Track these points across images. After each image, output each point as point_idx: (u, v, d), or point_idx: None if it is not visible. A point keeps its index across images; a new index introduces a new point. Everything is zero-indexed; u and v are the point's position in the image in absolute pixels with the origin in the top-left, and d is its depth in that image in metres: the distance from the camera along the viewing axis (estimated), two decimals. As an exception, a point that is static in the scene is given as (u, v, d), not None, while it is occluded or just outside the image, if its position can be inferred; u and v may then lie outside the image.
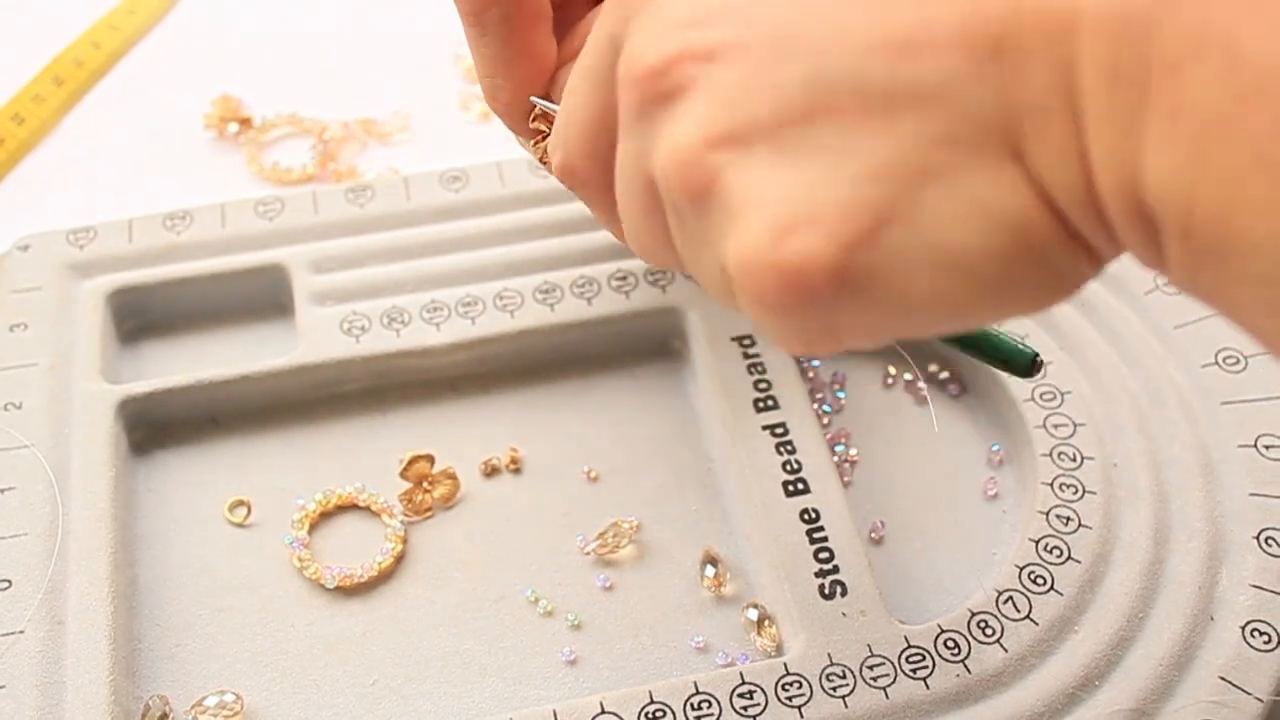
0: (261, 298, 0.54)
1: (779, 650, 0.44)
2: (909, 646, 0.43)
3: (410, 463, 0.48)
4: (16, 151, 0.63)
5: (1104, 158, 0.27)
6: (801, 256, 0.29)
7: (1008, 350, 0.40)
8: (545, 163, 0.44)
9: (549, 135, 0.44)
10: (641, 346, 0.53)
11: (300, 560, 0.47)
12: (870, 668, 0.42)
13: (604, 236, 0.54)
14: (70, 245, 0.54)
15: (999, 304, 0.29)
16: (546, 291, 0.52)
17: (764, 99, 0.29)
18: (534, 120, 0.44)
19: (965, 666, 0.42)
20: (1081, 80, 0.27)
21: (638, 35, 0.32)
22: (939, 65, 0.28)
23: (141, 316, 0.54)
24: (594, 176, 0.37)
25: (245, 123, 0.64)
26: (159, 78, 0.68)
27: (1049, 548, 0.45)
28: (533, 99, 0.44)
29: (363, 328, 0.51)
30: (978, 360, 0.41)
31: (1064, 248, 0.28)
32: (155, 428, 0.51)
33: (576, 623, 0.45)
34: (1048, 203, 0.28)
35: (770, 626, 0.44)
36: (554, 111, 0.43)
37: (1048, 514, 0.46)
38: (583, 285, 0.53)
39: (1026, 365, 0.40)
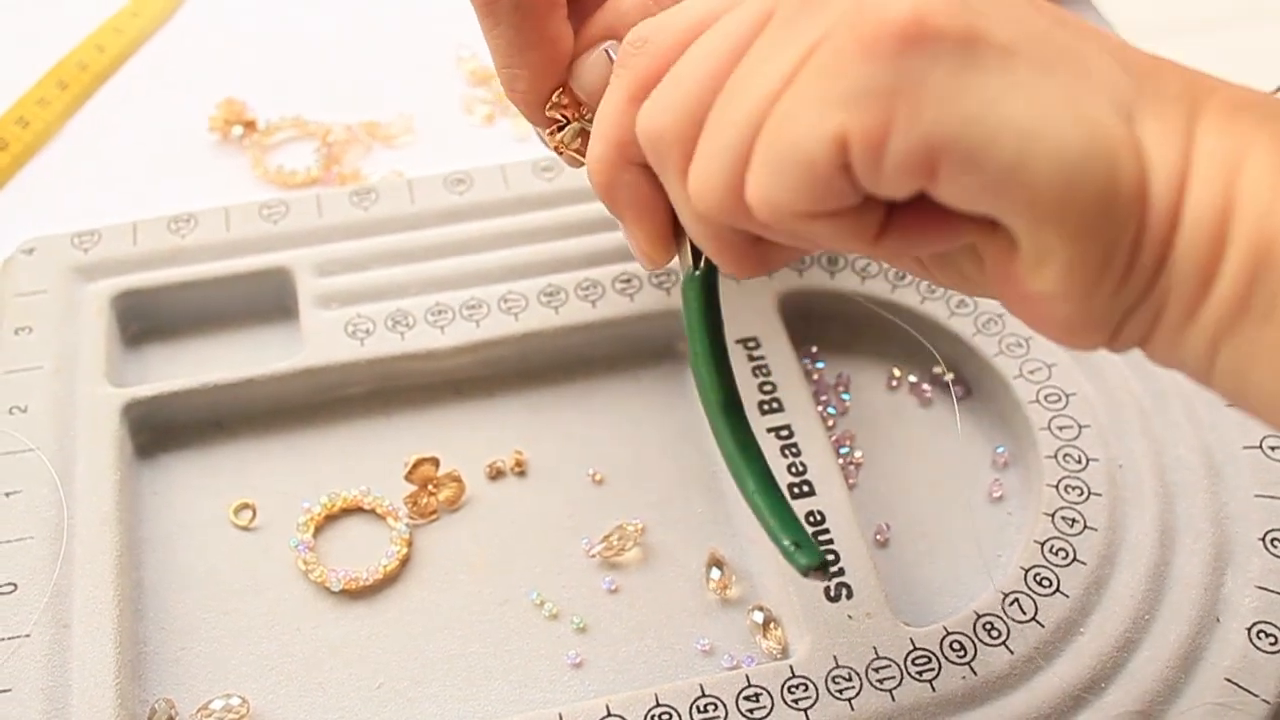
0: (266, 301, 0.54)
1: (784, 653, 0.44)
2: (915, 649, 0.42)
3: (415, 466, 0.48)
4: (21, 155, 0.63)
5: (1207, 157, 0.30)
6: (944, 9, 0.30)
7: (784, 548, 0.38)
8: (561, 152, 0.44)
9: (565, 125, 0.44)
10: (646, 349, 0.53)
11: (305, 563, 0.47)
12: (876, 670, 0.42)
13: (608, 239, 0.54)
14: (75, 248, 0.54)
15: (1056, 191, 0.30)
16: (551, 294, 0.52)
17: None
18: (551, 109, 0.44)
19: (971, 668, 0.42)
20: (1206, 105, 0.31)
21: None
22: (1098, 46, 0.31)
23: (146, 320, 0.54)
24: (669, 44, 0.37)
25: (249, 126, 0.64)
26: (163, 81, 0.68)
27: (1054, 550, 0.45)
28: (604, 49, 0.43)
29: (367, 330, 0.51)
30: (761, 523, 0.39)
31: (1128, 211, 0.30)
32: (160, 431, 0.51)
33: (582, 625, 0.45)
34: (1140, 159, 0.30)
35: (775, 629, 0.44)
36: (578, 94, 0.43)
37: (1053, 516, 0.45)
38: (587, 288, 0.53)
39: (803, 568, 0.37)
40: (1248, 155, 0.29)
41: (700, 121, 0.34)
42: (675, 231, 0.40)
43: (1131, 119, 0.30)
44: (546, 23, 0.43)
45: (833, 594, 0.44)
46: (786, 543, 0.37)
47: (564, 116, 0.44)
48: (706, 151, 0.34)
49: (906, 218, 0.32)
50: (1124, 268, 0.30)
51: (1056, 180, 0.29)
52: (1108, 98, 0.30)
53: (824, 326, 0.53)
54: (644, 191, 0.38)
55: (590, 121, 0.43)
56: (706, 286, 0.41)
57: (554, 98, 0.44)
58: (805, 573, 0.37)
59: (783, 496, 0.39)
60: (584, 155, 0.42)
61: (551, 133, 0.44)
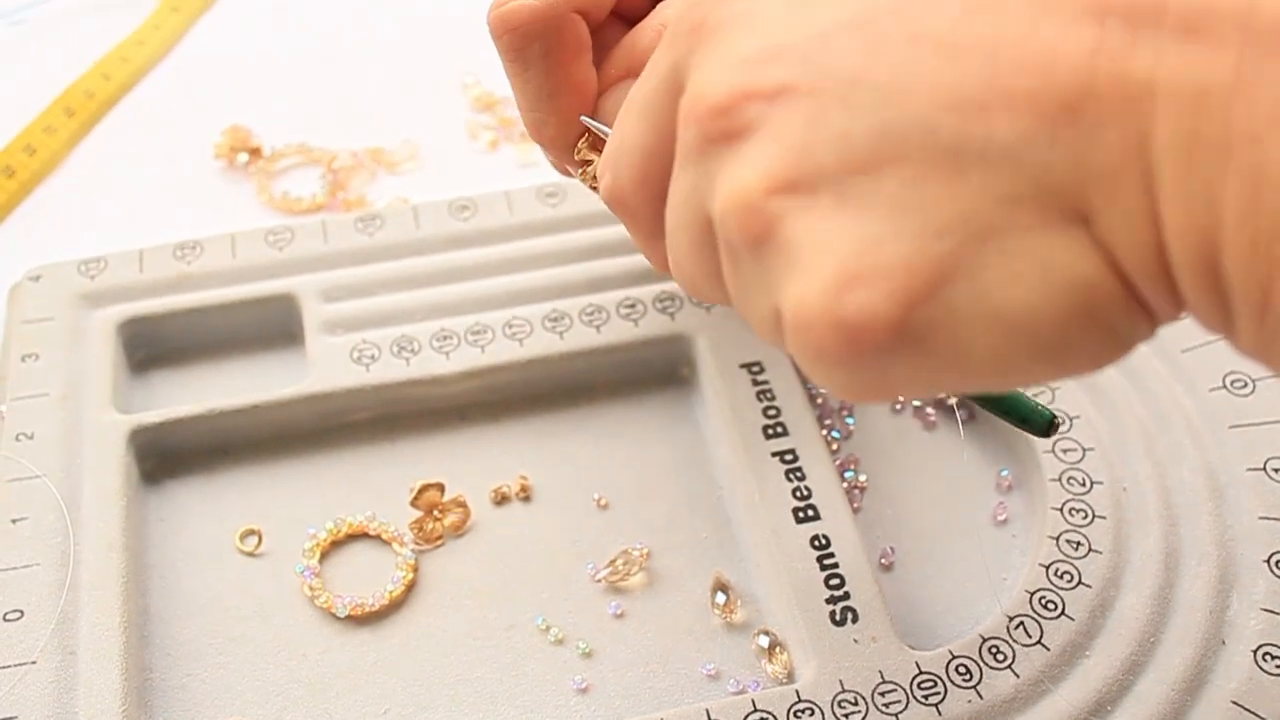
0: (272, 327, 0.54)
1: (790, 677, 0.44)
2: (920, 672, 0.42)
3: (421, 491, 0.48)
4: (28, 182, 0.63)
5: (1179, 227, 0.26)
6: (861, 311, 0.28)
7: (1026, 410, 0.41)
8: (595, 188, 0.45)
9: (594, 165, 0.44)
10: (650, 374, 0.53)
11: (311, 589, 0.47)
12: (882, 694, 0.42)
13: (613, 264, 0.54)
14: (81, 275, 0.54)
15: (1055, 365, 0.29)
16: (555, 319, 0.53)
17: (830, 146, 0.29)
18: (579, 152, 0.44)
19: (977, 692, 0.42)
20: (1156, 149, 0.26)
21: (703, 69, 0.32)
22: (1011, 126, 0.27)
23: (152, 346, 0.54)
24: (642, 204, 0.37)
25: (255, 152, 0.64)
26: (169, 108, 0.68)
27: (1059, 572, 0.45)
28: (583, 119, 0.44)
29: (373, 356, 0.52)
30: (996, 416, 0.42)
31: (1125, 311, 0.28)
32: (166, 457, 0.51)
33: (587, 651, 0.45)
34: (1113, 267, 0.27)
35: (781, 653, 0.44)
36: (605, 134, 0.43)
37: (1058, 539, 0.46)
38: (591, 313, 0.53)
39: (1044, 426, 0.41)
40: (1222, 218, 0.26)
41: (728, 296, 0.34)
42: None
43: (1086, 219, 0.27)
44: (574, 68, 0.43)
45: (838, 618, 0.44)
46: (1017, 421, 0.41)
47: (594, 157, 0.44)
48: (749, 321, 0.34)
49: None
50: (1148, 332, 0.29)
51: (1047, 362, 0.29)
52: (1055, 221, 0.27)
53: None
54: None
55: None
56: None
57: (580, 141, 0.44)
58: (1047, 434, 0.41)
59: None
60: None
61: (582, 172, 0.45)
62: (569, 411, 0.52)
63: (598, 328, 0.52)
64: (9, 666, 0.43)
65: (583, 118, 0.44)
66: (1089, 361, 0.29)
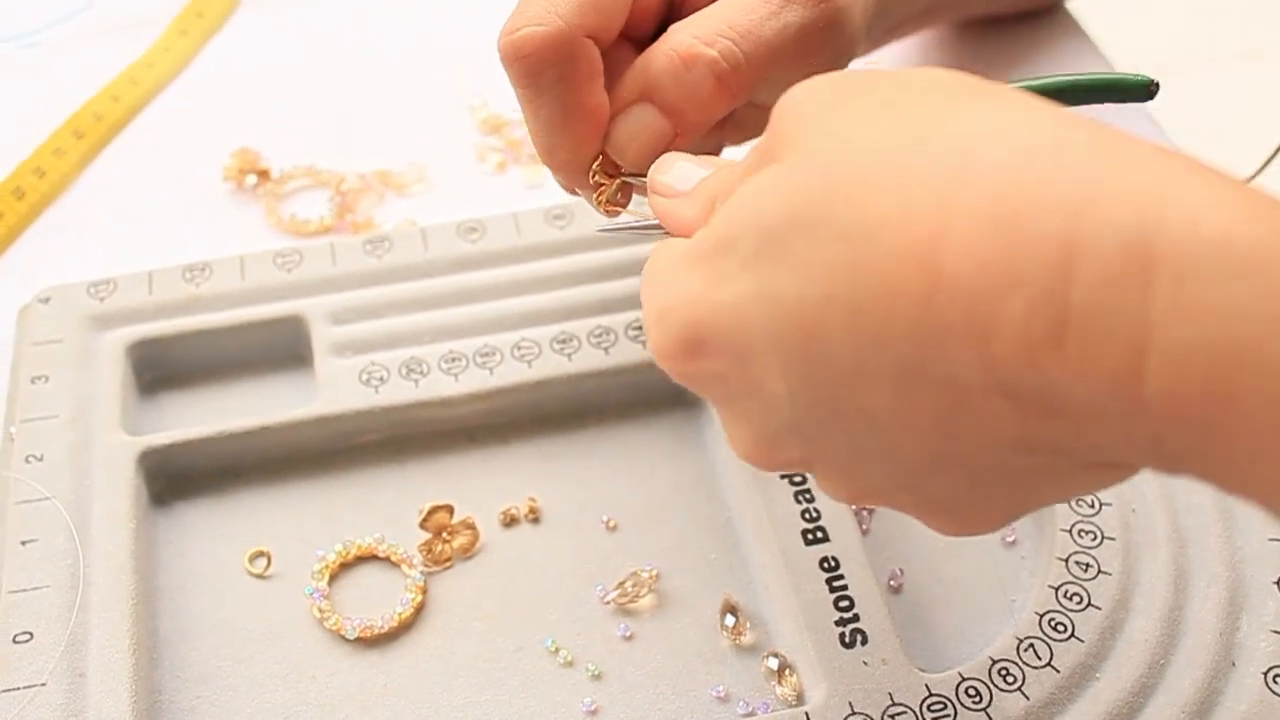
0: (280, 349, 0.54)
1: (800, 699, 0.44)
2: (930, 695, 0.42)
3: (430, 513, 0.48)
4: (37, 205, 0.64)
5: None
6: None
7: (1120, 83, 0.43)
8: (609, 212, 0.45)
9: (609, 187, 0.44)
10: (659, 396, 0.53)
11: (320, 611, 0.47)
12: (892, 716, 0.42)
13: (621, 286, 0.54)
14: (90, 297, 0.54)
15: None
16: (564, 341, 0.53)
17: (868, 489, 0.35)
18: (594, 175, 0.45)
19: (987, 715, 0.42)
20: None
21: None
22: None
23: (161, 368, 0.54)
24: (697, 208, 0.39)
25: (263, 175, 0.64)
26: (178, 131, 0.68)
27: (1069, 594, 0.45)
28: (612, 223, 0.45)
29: (381, 378, 0.52)
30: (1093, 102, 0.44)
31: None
32: (175, 479, 0.51)
33: (597, 673, 0.45)
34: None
35: (791, 675, 0.44)
36: (631, 225, 0.44)
37: (1067, 560, 0.46)
38: (600, 335, 0.53)
39: (1144, 88, 0.43)
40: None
41: None
42: None
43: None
44: (587, 92, 0.43)
45: (848, 640, 0.44)
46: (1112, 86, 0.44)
47: (605, 180, 0.44)
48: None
49: None
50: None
51: None
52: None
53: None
54: None
55: (630, 175, 0.44)
56: None
57: (594, 165, 0.44)
58: (1149, 91, 0.43)
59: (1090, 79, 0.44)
60: (627, 204, 0.43)
61: (596, 195, 0.45)
62: (578, 433, 0.52)
63: (606, 349, 0.52)
64: (19, 689, 0.43)
65: (612, 220, 0.46)
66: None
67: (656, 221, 0.40)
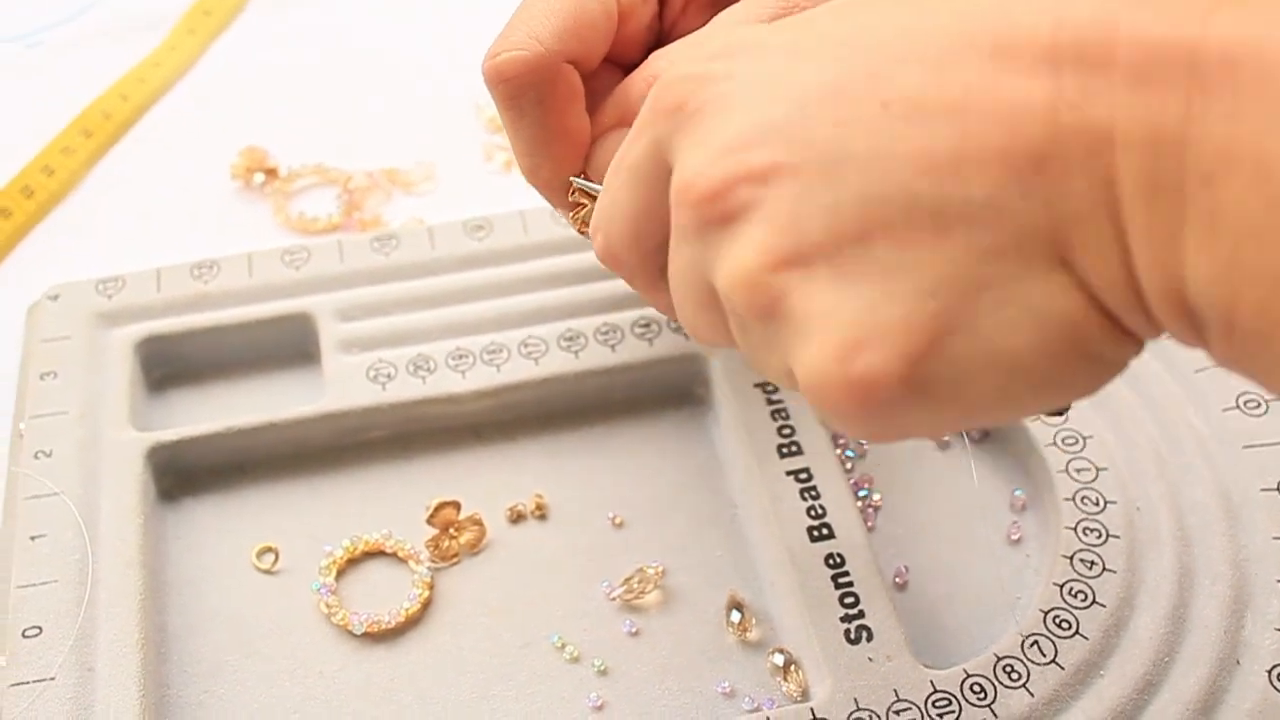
0: (288, 346, 0.54)
1: (805, 695, 0.44)
2: (935, 691, 0.43)
3: (437, 509, 0.49)
4: (46, 203, 0.64)
5: (1147, 264, 0.28)
6: (869, 372, 0.30)
7: None
8: (584, 233, 0.45)
9: (586, 207, 0.44)
10: (665, 393, 0.53)
11: (328, 606, 0.47)
12: (897, 713, 0.42)
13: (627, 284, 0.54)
14: (99, 295, 0.55)
15: (1053, 396, 0.31)
16: (571, 339, 0.53)
17: (819, 221, 0.30)
18: (573, 194, 0.45)
19: (992, 711, 0.42)
20: (1121, 192, 0.28)
21: (690, 156, 0.33)
22: (985, 181, 0.29)
23: (170, 365, 0.54)
24: (637, 263, 0.39)
25: (271, 173, 0.65)
26: (185, 129, 0.68)
27: (1073, 592, 0.45)
28: (572, 179, 0.45)
29: (389, 375, 0.52)
30: None
31: (1111, 340, 0.30)
32: (183, 475, 0.51)
33: (603, 668, 0.45)
34: (1095, 303, 0.29)
35: (796, 671, 0.45)
36: (596, 191, 0.43)
37: (1071, 558, 0.46)
38: (606, 332, 0.53)
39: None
40: (1185, 255, 0.27)
41: (731, 337, 0.36)
42: None
43: (1066, 263, 0.29)
44: (567, 116, 0.44)
45: (853, 636, 0.44)
46: None
47: (586, 201, 0.44)
48: (759, 370, 0.36)
49: None
50: (1134, 353, 0.31)
51: (1043, 396, 0.31)
52: (1040, 264, 0.29)
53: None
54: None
55: None
56: None
57: (574, 186, 0.45)
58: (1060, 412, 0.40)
59: None
60: None
61: (574, 215, 0.45)
62: (584, 430, 0.53)
63: (613, 347, 0.53)
64: (28, 683, 0.43)
65: (573, 179, 0.45)
66: (1084, 387, 0.31)
67: None
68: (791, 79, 0.32)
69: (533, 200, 0.58)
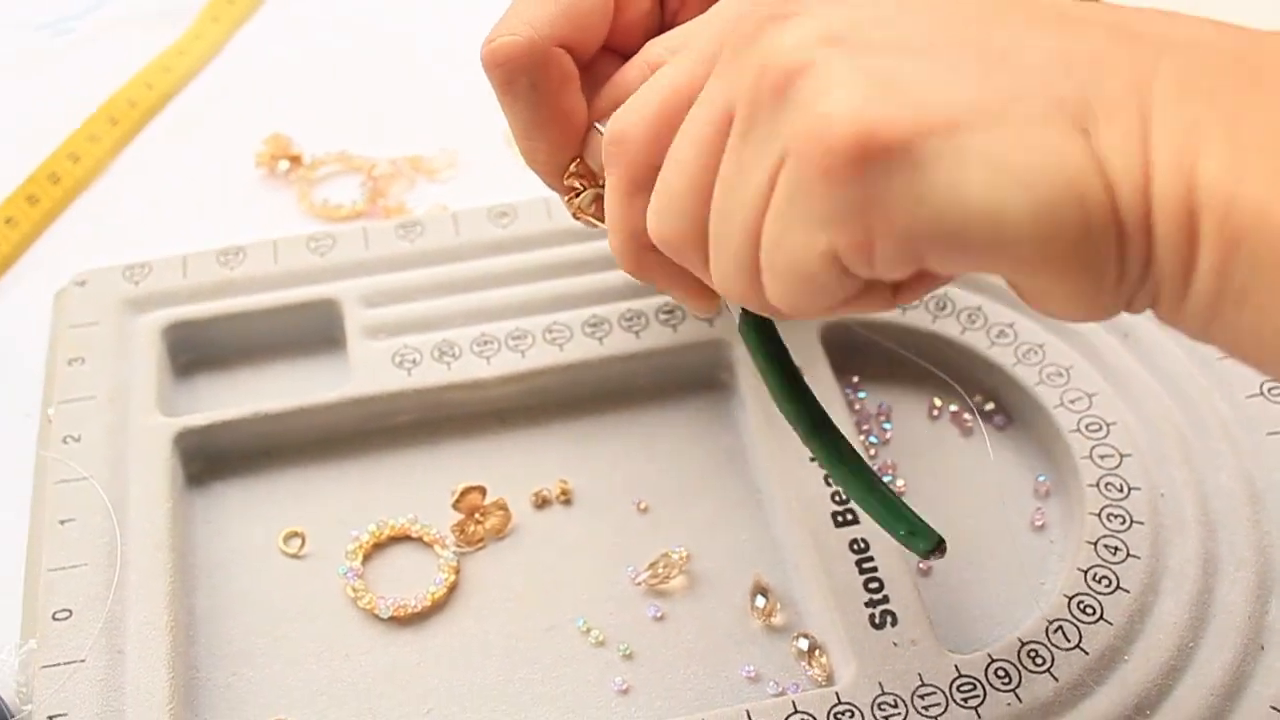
0: (314, 332, 0.55)
1: (829, 680, 0.44)
2: (960, 675, 0.43)
3: (462, 494, 0.49)
4: (73, 189, 0.64)
5: (1164, 152, 0.30)
6: (881, 117, 0.31)
7: (913, 524, 0.41)
8: (579, 218, 0.46)
9: (582, 192, 0.45)
10: (689, 379, 0.53)
11: (354, 590, 0.47)
12: (921, 697, 0.42)
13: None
14: (126, 281, 0.55)
15: (1034, 242, 0.31)
16: (595, 325, 0.53)
17: (881, 30, 0.33)
18: (569, 178, 0.45)
19: (1016, 695, 0.42)
20: (1156, 88, 0.30)
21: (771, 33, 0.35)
22: (1036, 48, 0.32)
23: (197, 350, 0.55)
24: (643, 143, 0.39)
25: (295, 160, 0.65)
26: (211, 117, 0.69)
27: (1098, 577, 0.45)
28: (595, 125, 0.45)
29: (414, 361, 0.52)
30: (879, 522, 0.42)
31: (1106, 225, 0.30)
32: (211, 460, 0.51)
33: (628, 652, 0.46)
34: (1104, 175, 0.30)
35: (821, 656, 0.45)
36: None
37: (1096, 544, 0.46)
38: (630, 319, 0.53)
39: (926, 548, 0.41)
40: (1202, 148, 0.29)
41: (702, 228, 0.37)
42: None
43: (1086, 132, 0.31)
44: (561, 99, 0.45)
45: (877, 621, 0.44)
46: (902, 533, 0.41)
47: (581, 185, 0.45)
48: (718, 261, 0.37)
49: (913, 277, 0.34)
50: (1116, 277, 0.31)
51: (1035, 238, 0.30)
52: (1060, 123, 0.31)
53: (865, 357, 0.53)
54: (671, 265, 0.40)
55: (604, 187, 0.44)
56: (760, 324, 0.42)
57: (571, 167, 0.45)
58: (926, 556, 0.41)
59: (887, 492, 0.42)
60: (601, 219, 0.44)
61: (569, 199, 0.46)
62: (609, 416, 0.53)
63: (637, 333, 0.53)
64: (58, 665, 0.44)
65: (595, 124, 0.45)
66: (1062, 263, 0.31)
67: None
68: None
69: (557, 187, 0.58)
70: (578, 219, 0.46)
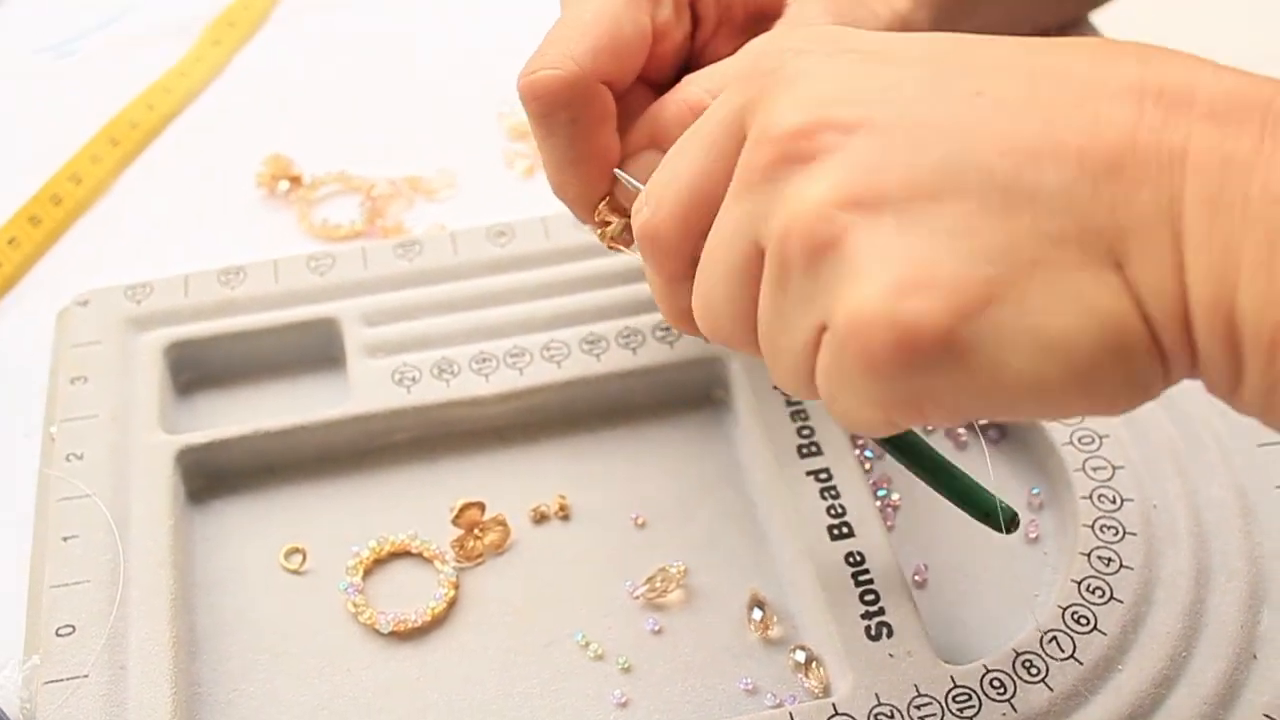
0: (314, 350, 0.55)
1: (826, 691, 0.45)
2: (955, 686, 0.43)
3: (462, 510, 0.49)
4: (74, 210, 0.65)
5: (1200, 278, 0.29)
6: (918, 315, 0.30)
7: (989, 505, 0.43)
8: (612, 247, 0.46)
9: (614, 225, 0.45)
10: (686, 395, 0.54)
11: (355, 606, 0.48)
12: (918, 707, 0.43)
13: (648, 288, 0.55)
14: (128, 300, 0.55)
15: (1080, 396, 0.31)
16: (592, 342, 0.54)
17: (897, 173, 0.32)
18: (599, 214, 0.45)
19: (1011, 705, 0.43)
20: (1186, 208, 0.29)
21: (777, 106, 0.34)
22: (1059, 175, 0.31)
23: (198, 369, 0.55)
24: (678, 240, 0.39)
25: (295, 181, 0.65)
26: (211, 138, 0.69)
27: (1091, 588, 0.45)
28: (616, 172, 0.45)
29: (414, 378, 0.53)
30: (960, 508, 0.44)
31: (1148, 355, 0.31)
32: (212, 477, 0.52)
33: (627, 666, 0.46)
34: (1140, 310, 0.30)
35: (818, 668, 0.45)
36: (636, 188, 0.44)
37: (1089, 555, 0.46)
38: (627, 336, 0.54)
39: (1004, 523, 0.43)
40: (1240, 277, 0.29)
41: (751, 337, 0.37)
42: None
43: (1119, 265, 0.30)
44: (598, 136, 0.44)
45: (873, 633, 0.45)
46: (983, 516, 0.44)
47: (612, 218, 0.45)
48: (775, 375, 0.37)
49: None
50: (1161, 386, 0.32)
51: (1079, 393, 0.31)
52: (1092, 263, 0.30)
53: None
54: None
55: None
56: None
57: (601, 205, 0.45)
58: (1008, 531, 0.43)
59: (967, 485, 0.45)
60: (632, 245, 0.44)
61: (601, 233, 0.46)
62: (606, 432, 0.53)
63: (634, 350, 0.53)
64: (61, 680, 0.44)
65: (616, 171, 0.45)
66: (1108, 401, 0.32)
67: None
68: (886, 61, 0.34)
69: (554, 206, 0.58)
70: (611, 249, 0.46)
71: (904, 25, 0.51)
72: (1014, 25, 0.65)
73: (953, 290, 0.30)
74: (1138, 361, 0.31)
